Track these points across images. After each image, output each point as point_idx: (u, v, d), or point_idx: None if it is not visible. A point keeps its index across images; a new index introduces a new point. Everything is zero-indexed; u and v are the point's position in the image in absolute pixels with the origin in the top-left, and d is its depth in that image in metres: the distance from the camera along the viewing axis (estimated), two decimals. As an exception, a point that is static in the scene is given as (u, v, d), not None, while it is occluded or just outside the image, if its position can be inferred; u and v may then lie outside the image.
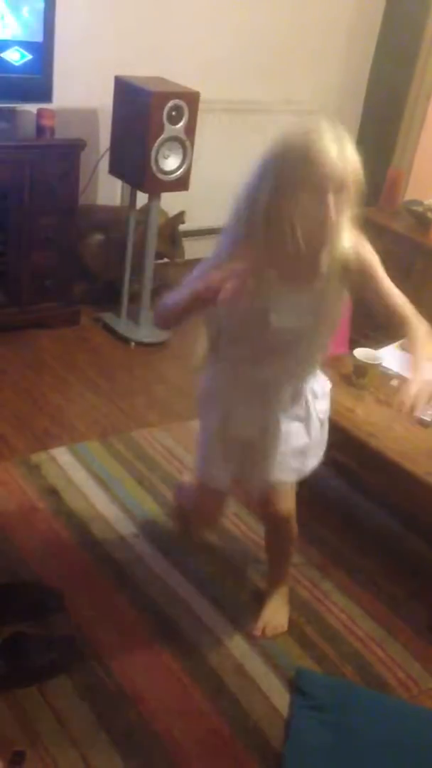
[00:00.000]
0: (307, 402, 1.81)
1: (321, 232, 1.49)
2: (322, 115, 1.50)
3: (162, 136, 3.05)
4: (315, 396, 1.83)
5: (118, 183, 3.81)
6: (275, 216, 1.49)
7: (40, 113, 3.14)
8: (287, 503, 1.93)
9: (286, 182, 1.47)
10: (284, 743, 1.78)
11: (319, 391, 1.85)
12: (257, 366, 1.72)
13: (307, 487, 1.98)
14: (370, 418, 2.35)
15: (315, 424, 1.84)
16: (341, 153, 1.44)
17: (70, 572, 2.16)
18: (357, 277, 1.60)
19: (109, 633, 1.99)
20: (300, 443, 1.82)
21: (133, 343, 3.43)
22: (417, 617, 2.21)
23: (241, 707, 1.86)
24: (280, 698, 1.90)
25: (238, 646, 2.02)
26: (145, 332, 3.50)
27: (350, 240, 1.55)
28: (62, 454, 2.64)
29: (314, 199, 1.45)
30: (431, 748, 1.81)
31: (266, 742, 1.79)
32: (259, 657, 2.00)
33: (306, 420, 1.82)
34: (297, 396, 1.78)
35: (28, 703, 1.78)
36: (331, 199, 1.44)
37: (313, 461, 1.89)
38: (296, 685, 1.91)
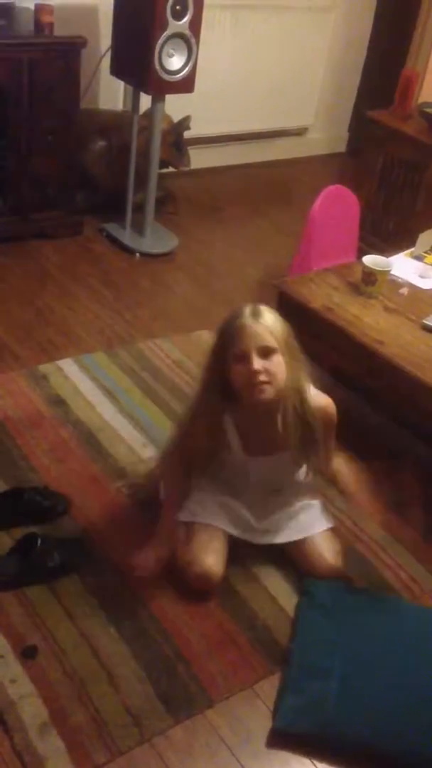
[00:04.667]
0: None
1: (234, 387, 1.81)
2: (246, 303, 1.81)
3: (166, 33, 2.91)
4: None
5: (120, 86, 3.67)
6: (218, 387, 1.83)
7: (38, 9, 2.99)
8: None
9: (221, 358, 1.79)
10: (290, 639, 1.83)
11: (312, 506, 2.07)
12: (241, 497, 1.99)
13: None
14: (378, 325, 2.32)
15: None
16: (260, 322, 1.75)
17: (78, 479, 2.19)
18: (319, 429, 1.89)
19: (116, 536, 2.03)
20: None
21: (137, 254, 3.37)
22: (423, 523, 2.23)
23: (249, 607, 1.91)
24: (288, 600, 1.94)
25: (248, 552, 2.03)
26: (150, 243, 3.43)
27: (309, 397, 1.85)
28: (68, 365, 2.63)
29: (244, 366, 1.75)
30: (429, 643, 1.85)
31: (273, 638, 1.84)
32: (268, 563, 2.02)
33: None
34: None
35: (40, 600, 1.82)
36: (255, 360, 1.74)
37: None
38: (303, 588, 1.95)
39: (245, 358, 1.75)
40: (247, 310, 1.77)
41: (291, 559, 2.02)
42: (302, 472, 1.99)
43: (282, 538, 2.00)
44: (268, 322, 1.76)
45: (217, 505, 1.96)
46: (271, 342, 1.75)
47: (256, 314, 1.76)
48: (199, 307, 3.12)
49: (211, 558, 1.89)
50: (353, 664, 1.76)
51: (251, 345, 1.74)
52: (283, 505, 2.02)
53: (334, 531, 2.06)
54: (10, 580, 1.83)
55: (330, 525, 2.05)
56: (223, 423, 1.89)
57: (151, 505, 2.11)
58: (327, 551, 1.98)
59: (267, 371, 1.74)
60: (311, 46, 4.29)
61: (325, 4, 4.23)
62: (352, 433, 2.53)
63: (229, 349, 1.77)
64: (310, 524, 2.02)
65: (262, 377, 1.74)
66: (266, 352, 1.75)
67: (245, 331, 1.74)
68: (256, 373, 1.74)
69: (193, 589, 1.89)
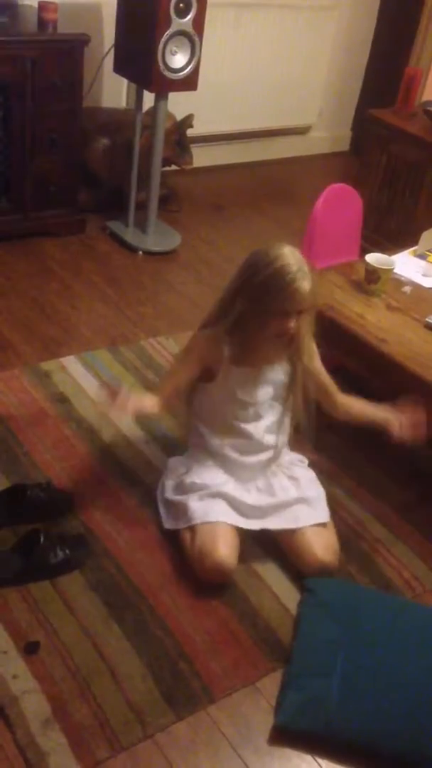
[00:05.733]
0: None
1: (261, 337, 1.88)
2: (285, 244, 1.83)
3: (169, 30, 2.91)
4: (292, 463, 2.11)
5: (123, 83, 3.67)
6: (248, 324, 1.86)
7: (41, 6, 3.00)
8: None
9: (260, 306, 1.81)
10: (292, 638, 1.83)
11: (296, 459, 2.14)
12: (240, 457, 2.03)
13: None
14: (380, 323, 2.32)
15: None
16: (307, 284, 1.77)
17: (81, 476, 2.19)
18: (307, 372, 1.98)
19: (119, 533, 2.03)
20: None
21: (140, 252, 3.37)
22: (425, 521, 2.23)
23: (251, 605, 1.91)
24: (290, 598, 1.94)
25: (251, 551, 2.03)
26: (153, 241, 3.43)
27: (310, 350, 1.95)
28: (72, 363, 2.63)
29: (262, 315, 1.82)
30: (431, 641, 1.86)
31: (275, 636, 1.85)
32: (270, 561, 2.03)
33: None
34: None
35: (43, 597, 1.83)
36: (276, 322, 1.82)
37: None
38: (305, 586, 1.95)
39: (286, 315, 1.80)
40: (295, 267, 1.76)
41: (282, 551, 2.01)
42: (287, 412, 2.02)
43: (274, 523, 1.98)
44: (313, 284, 1.79)
45: (216, 497, 1.96)
46: (309, 304, 1.82)
47: (304, 274, 1.77)
48: (201, 305, 3.11)
49: (223, 549, 1.89)
50: (355, 662, 1.76)
51: (295, 308, 1.80)
52: (277, 469, 2.06)
53: (329, 527, 2.04)
54: (14, 576, 1.84)
55: (325, 520, 2.02)
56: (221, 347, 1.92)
57: (153, 502, 2.12)
58: (316, 545, 1.96)
59: (295, 328, 1.83)
60: (314, 45, 4.29)
61: (329, 3, 4.23)
62: (353, 431, 2.54)
63: (272, 303, 1.79)
64: (304, 516, 1.99)
65: (290, 332, 1.83)
66: (300, 312, 1.82)
67: (295, 295, 1.77)
68: (289, 330, 1.82)
69: (207, 582, 1.90)
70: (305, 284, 1.77)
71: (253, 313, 1.83)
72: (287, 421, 2.04)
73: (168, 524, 2.03)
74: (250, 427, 2.00)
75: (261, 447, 2.02)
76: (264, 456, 2.04)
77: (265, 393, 1.98)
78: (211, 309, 1.96)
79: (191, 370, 1.98)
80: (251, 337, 1.88)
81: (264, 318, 1.82)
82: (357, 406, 2.06)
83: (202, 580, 1.90)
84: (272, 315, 1.81)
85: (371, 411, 2.04)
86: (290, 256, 1.78)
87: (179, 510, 2.00)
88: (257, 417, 1.99)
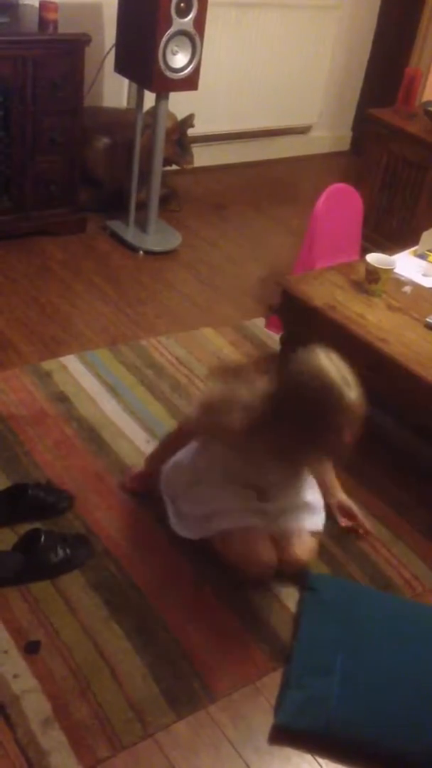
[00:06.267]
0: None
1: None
2: (324, 350, 1.71)
3: (170, 30, 2.91)
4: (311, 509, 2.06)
5: (124, 83, 3.68)
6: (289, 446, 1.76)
7: (42, 6, 3.00)
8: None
9: (312, 426, 1.69)
10: (293, 636, 1.84)
11: (316, 504, 2.08)
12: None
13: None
14: (381, 323, 2.32)
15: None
16: (356, 397, 1.66)
17: (81, 475, 2.19)
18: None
19: (120, 533, 2.03)
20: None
21: (141, 252, 3.37)
22: (424, 520, 2.24)
23: (252, 604, 1.91)
24: (291, 597, 1.95)
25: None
26: (154, 240, 3.43)
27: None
28: (72, 362, 2.63)
29: (335, 440, 1.69)
30: (431, 640, 1.87)
31: (276, 635, 1.85)
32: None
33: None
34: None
35: (43, 596, 1.83)
36: (347, 436, 1.68)
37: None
38: (306, 585, 1.96)
39: (342, 430, 1.67)
40: (347, 387, 1.65)
41: None
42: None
43: (281, 525, 1.98)
44: (358, 390, 1.69)
45: (233, 499, 1.96)
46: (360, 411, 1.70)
47: (353, 388, 1.67)
48: (202, 305, 3.12)
49: (263, 550, 1.91)
50: (355, 661, 1.76)
51: (353, 419, 1.68)
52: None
53: (317, 536, 2.05)
54: (14, 575, 1.84)
55: (319, 529, 2.04)
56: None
57: (154, 501, 2.12)
58: (296, 545, 1.97)
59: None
60: (315, 45, 4.29)
61: (330, 3, 4.23)
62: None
63: (327, 425, 1.67)
64: (309, 519, 2.03)
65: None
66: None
67: (355, 414, 1.66)
68: (351, 441, 1.69)
69: (253, 582, 1.93)
70: (353, 393, 1.66)
71: (304, 437, 1.72)
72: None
73: (181, 531, 2.00)
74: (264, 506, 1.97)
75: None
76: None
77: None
78: (237, 415, 1.76)
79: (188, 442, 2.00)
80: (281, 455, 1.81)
81: (320, 439, 1.72)
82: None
83: (245, 580, 1.93)
84: (330, 435, 1.69)
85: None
86: (330, 366, 1.68)
87: (192, 520, 1.99)
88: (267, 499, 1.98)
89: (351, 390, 1.66)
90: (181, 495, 2.04)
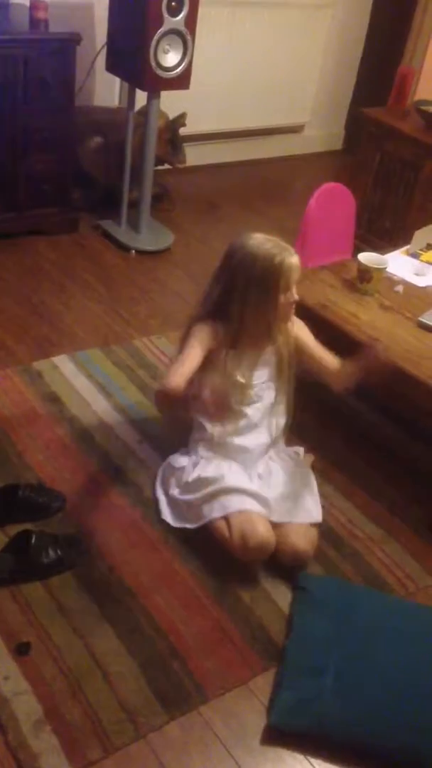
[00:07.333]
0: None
1: (273, 317, 2.00)
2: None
3: (161, 29, 2.90)
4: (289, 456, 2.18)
5: (115, 82, 3.67)
6: (244, 310, 1.98)
7: (33, 5, 2.99)
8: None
9: (263, 293, 1.95)
10: (286, 636, 1.83)
11: (292, 452, 2.21)
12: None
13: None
14: (373, 322, 2.32)
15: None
16: (290, 255, 1.93)
17: (73, 476, 2.18)
18: (295, 345, 2.11)
19: (111, 534, 2.02)
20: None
21: (133, 251, 3.36)
22: (416, 519, 2.23)
23: (244, 604, 1.91)
24: (283, 597, 1.94)
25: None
26: (146, 240, 3.43)
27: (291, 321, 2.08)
28: (64, 362, 2.62)
29: (270, 299, 1.95)
30: (424, 639, 1.86)
31: (268, 636, 1.84)
32: (264, 560, 2.01)
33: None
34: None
35: (34, 597, 1.82)
36: (282, 297, 1.96)
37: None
38: (298, 584, 1.95)
39: (287, 289, 1.95)
40: (280, 247, 1.93)
41: None
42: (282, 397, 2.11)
43: (275, 516, 2.00)
44: (295, 254, 1.95)
45: (231, 493, 1.99)
46: (299, 272, 1.98)
47: (290, 251, 1.94)
48: (194, 304, 3.10)
49: (261, 527, 1.93)
50: (348, 661, 1.76)
51: (294, 278, 1.95)
52: (275, 456, 2.15)
53: (316, 527, 2.07)
54: (5, 576, 1.83)
55: (318, 520, 2.07)
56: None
57: (145, 502, 2.11)
58: (294, 533, 1.98)
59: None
60: (308, 43, 4.29)
61: (322, 2, 4.23)
62: (346, 430, 2.54)
63: (274, 285, 1.92)
64: (303, 512, 2.04)
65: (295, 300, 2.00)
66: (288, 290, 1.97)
67: (293, 269, 1.93)
68: (295, 299, 1.98)
69: (251, 560, 1.96)
70: (291, 257, 1.92)
71: (258, 301, 1.95)
72: (283, 402, 2.11)
73: (175, 523, 2.05)
74: (250, 410, 2.05)
75: (260, 429, 2.08)
76: (263, 439, 2.09)
77: (261, 375, 2.06)
78: (201, 305, 2.09)
79: (197, 357, 2.00)
80: (250, 322, 1.98)
81: (270, 300, 1.94)
82: (348, 366, 2.10)
83: (245, 560, 1.96)
84: (278, 293, 1.93)
85: (356, 363, 2.08)
86: (264, 240, 1.94)
87: (191, 508, 2.03)
88: (257, 399, 2.06)
89: (288, 254, 1.92)
90: (178, 486, 2.07)
